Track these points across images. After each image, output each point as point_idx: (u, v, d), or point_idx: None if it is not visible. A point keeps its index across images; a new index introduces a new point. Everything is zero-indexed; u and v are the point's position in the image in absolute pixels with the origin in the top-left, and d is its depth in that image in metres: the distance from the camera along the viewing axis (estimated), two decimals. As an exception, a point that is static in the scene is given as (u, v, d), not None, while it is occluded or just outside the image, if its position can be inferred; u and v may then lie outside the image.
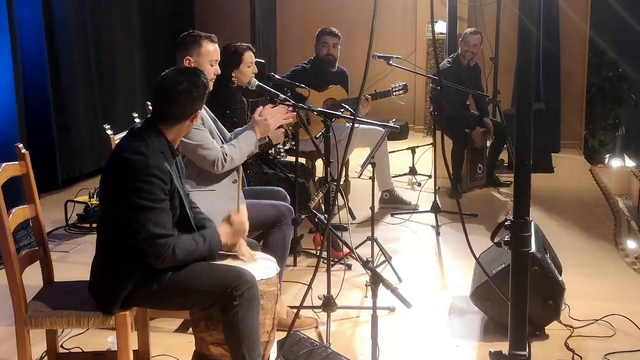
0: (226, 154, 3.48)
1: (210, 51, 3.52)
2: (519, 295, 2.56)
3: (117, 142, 3.37)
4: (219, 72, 3.63)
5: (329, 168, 3.75)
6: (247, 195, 3.74)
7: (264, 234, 3.70)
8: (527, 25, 2.44)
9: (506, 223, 2.54)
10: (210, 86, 3.64)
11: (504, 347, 2.69)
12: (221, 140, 3.61)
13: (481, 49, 6.76)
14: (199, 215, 2.96)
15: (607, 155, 9.90)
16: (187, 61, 3.49)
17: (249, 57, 4.26)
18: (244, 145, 3.58)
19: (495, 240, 3.33)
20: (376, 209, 4.61)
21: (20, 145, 2.91)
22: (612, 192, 6.68)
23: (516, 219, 2.50)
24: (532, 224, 2.63)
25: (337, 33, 5.66)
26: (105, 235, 2.77)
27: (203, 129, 3.46)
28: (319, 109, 3.91)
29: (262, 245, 3.60)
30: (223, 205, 3.43)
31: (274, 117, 3.68)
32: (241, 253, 2.93)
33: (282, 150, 4.81)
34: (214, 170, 3.48)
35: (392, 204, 5.96)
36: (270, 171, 4.72)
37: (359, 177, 4.33)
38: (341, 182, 3.81)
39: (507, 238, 2.58)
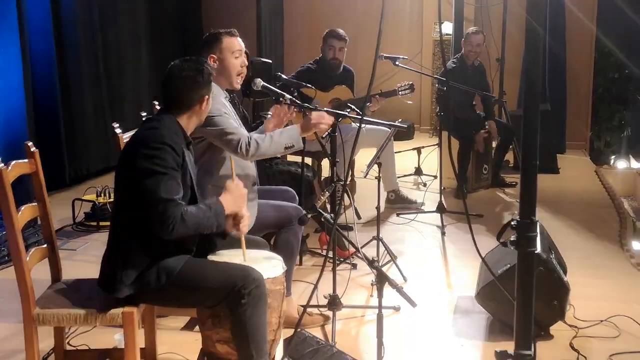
0: (251, 138, 3.40)
1: (232, 44, 3.55)
2: (525, 295, 2.56)
3: (125, 140, 3.39)
4: (246, 63, 3.65)
5: (335, 168, 3.76)
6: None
7: (273, 235, 3.72)
8: (534, 26, 2.44)
9: (512, 223, 2.55)
10: (238, 84, 3.65)
11: (509, 347, 2.69)
12: None
13: (487, 50, 6.76)
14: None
15: (613, 157, 9.87)
16: (212, 59, 3.51)
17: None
18: (277, 135, 3.48)
19: (501, 241, 3.34)
20: (382, 209, 4.62)
21: (30, 144, 2.93)
22: (617, 193, 6.67)
23: (522, 219, 2.50)
24: (538, 224, 2.63)
25: (345, 37, 5.66)
26: (117, 221, 2.80)
27: (226, 116, 3.45)
28: (325, 109, 3.91)
29: (272, 245, 3.61)
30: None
31: (323, 120, 3.59)
32: (242, 229, 2.91)
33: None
34: (239, 155, 3.39)
35: (398, 204, 5.97)
36: (274, 166, 4.74)
37: (364, 177, 4.33)
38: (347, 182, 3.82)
39: (513, 238, 2.59)
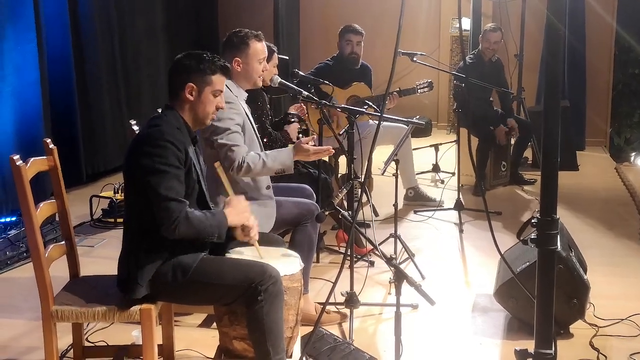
0: (244, 160, 3.41)
1: (259, 52, 3.57)
2: (545, 293, 2.54)
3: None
4: (267, 68, 3.65)
5: (352, 165, 3.75)
6: (274, 192, 3.75)
7: (290, 232, 3.71)
8: (554, 22, 2.42)
9: (533, 221, 2.52)
10: (260, 83, 3.66)
11: (527, 345, 2.66)
12: (258, 141, 3.63)
13: (505, 45, 6.70)
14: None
15: (633, 154, 9.78)
16: (236, 62, 3.53)
17: (274, 58, 4.29)
18: (270, 161, 3.47)
19: (521, 238, 3.31)
20: (399, 206, 4.60)
21: (49, 140, 2.94)
22: (637, 190, 6.60)
23: (543, 217, 2.48)
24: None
25: (361, 30, 5.64)
26: (129, 222, 2.80)
27: (238, 132, 3.44)
28: (343, 105, 3.90)
29: (288, 243, 3.61)
30: (266, 218, 3.48)
31: (317, 153, 3.62)
32: (252, 238, 2.90)
33: None
34: (231, 171, 3.41)
35: (417, 201, 5.95)
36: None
37: (382, 174, 4.31)
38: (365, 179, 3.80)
39: (533, 236, 2.56)
